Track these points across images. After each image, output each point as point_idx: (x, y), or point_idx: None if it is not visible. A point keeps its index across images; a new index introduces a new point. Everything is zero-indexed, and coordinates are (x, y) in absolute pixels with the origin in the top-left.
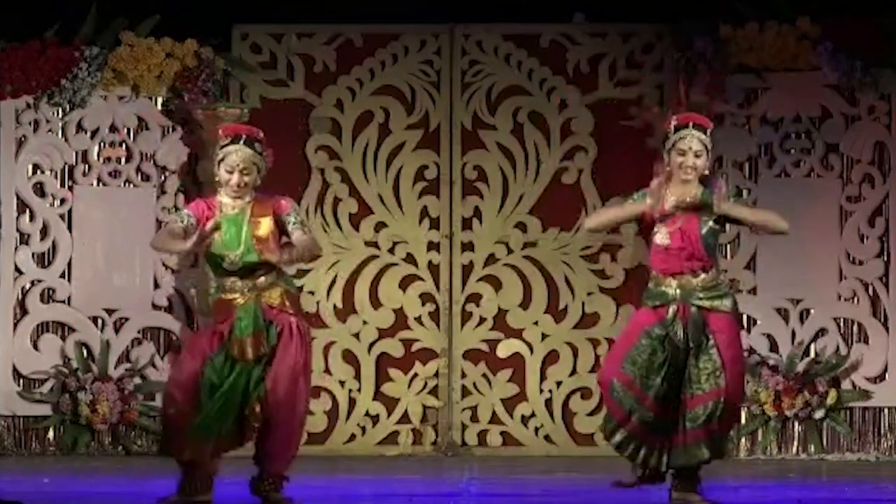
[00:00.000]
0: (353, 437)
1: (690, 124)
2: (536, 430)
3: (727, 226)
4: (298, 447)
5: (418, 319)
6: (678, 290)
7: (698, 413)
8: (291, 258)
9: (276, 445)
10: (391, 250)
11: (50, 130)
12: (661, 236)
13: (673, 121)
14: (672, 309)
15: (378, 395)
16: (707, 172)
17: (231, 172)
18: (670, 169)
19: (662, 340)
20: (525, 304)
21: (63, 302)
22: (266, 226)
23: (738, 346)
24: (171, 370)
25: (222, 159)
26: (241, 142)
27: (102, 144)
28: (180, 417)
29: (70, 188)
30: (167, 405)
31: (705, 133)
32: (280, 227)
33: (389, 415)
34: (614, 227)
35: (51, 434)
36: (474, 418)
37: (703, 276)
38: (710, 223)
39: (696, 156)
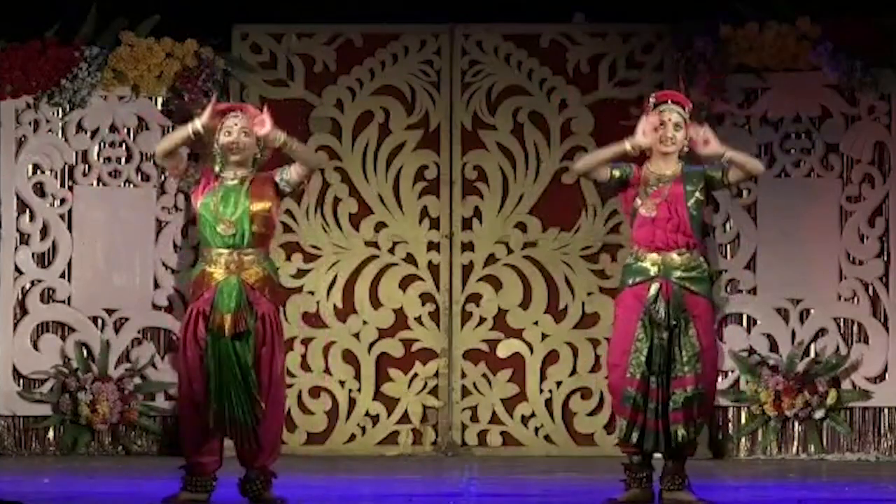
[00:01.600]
0: (353, 437)
1: (669, 100)
2: (536, 430)
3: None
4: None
5: (418, 319)
6: (659, 267)
7: (678, 396)
8: (297, 146)
9: (264, 440)
10: (391, 250)
11: (50, 130)
12: (646, 208)
13: (651, 98)
14: (654, 287)
15: (378, 395)
16: (686, 149)
17: (230, 134)
18: (651, 140)
19: (647, 322)
20: (525, 304)
21: (63, 302)
22: (266, 201)
23: (713, 334)
24: (178, 368)
25: (220, 129)
26: (237, 109)
27: (102, 144)
28: (197, 412)
29: (70, 188)
30: (183, 403)
31: (683, 109)
32: (279, 193)
33: (389, 415)
34: (601, 167)
35: (51, 434)
36: (474, 418)
37: (686, 254)
38: (696, 194)
39: (676, 128)
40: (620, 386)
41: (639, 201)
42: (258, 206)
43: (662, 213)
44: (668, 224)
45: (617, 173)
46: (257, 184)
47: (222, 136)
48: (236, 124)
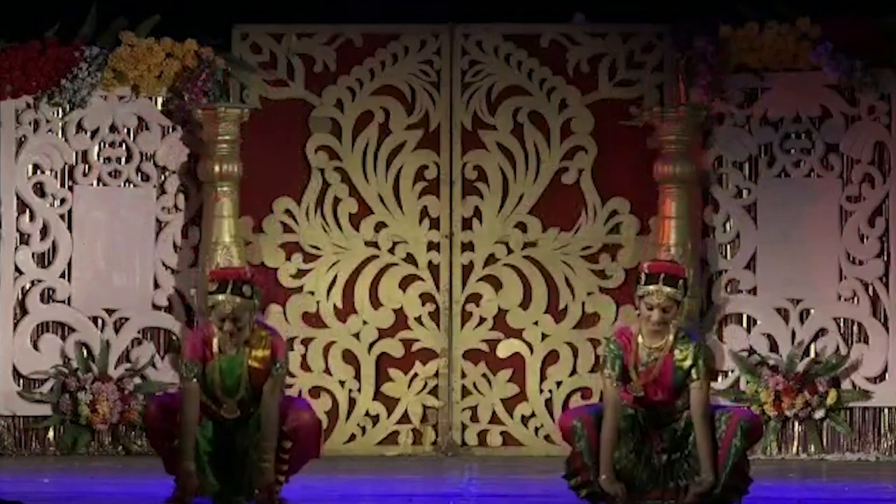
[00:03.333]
0: (353, 437)
1: (661, 278)
2: (536, 430)
3: (694, 371)
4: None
5: (418, 319)
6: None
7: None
8: (270, 450)
9: (294, 465)
10: (391, 250)
11: (50, 130)
12: (633, 388)
13: (644, 268)
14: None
15: (378, 395)
16: (676, 322)
17: (223, 321)
18: (640, 314)
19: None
20: (525, 304)
21: (63, 302)
22: (264, 366)
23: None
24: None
25: (212, 307)
26: (229, 290)
27: (102, 144)
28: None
29: (70, 188)
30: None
31: (675, 286)
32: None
33: (389, 415)
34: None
35: (51, 434)
36: (474, 418)
37: (669, 407)
38: (684, 368)
39: (664, 311)
40: (571, 418)
41: (629, 373)
42: (259, 377)
43: (650, 393)
44: (654, 397)
45: (619, 381)
46: (255, 350)
47: (215, 319)
48: (230, 314)
